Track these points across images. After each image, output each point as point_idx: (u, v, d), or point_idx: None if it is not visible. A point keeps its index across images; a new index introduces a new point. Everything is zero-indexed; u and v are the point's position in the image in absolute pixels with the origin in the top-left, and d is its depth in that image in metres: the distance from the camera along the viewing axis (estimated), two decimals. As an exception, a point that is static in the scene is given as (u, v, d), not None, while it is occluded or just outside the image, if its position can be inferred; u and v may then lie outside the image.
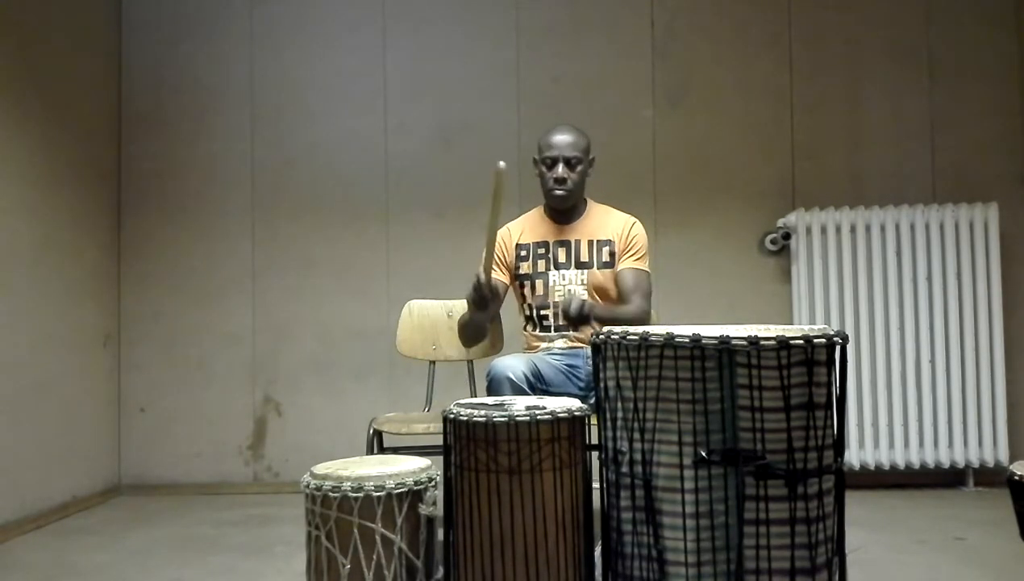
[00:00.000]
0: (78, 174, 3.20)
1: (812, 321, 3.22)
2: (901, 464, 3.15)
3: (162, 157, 3.51)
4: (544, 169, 2.43)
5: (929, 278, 3.17)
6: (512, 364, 2.14)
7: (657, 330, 1.61)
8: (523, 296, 2.45)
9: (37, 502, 2.88)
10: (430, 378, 2.79)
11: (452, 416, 1.78)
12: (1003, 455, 3.11)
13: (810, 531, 1.55)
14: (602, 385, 1.73)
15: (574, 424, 1.77)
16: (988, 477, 3.20)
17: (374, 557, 1.73)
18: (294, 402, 3.45)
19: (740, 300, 3.37)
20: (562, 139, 2.43)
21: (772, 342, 1.52)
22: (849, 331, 3.15)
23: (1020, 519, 1.52)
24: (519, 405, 1.78)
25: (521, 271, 2.43)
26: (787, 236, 3.32)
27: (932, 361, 3.15)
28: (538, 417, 1.70)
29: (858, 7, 3.43)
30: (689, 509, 1.56)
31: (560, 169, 2.39)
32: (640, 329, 1.64)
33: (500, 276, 2.41)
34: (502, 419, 1.69)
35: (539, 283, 2.41)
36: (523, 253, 2.44)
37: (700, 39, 3.47)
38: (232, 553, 2.50)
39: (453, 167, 3.47)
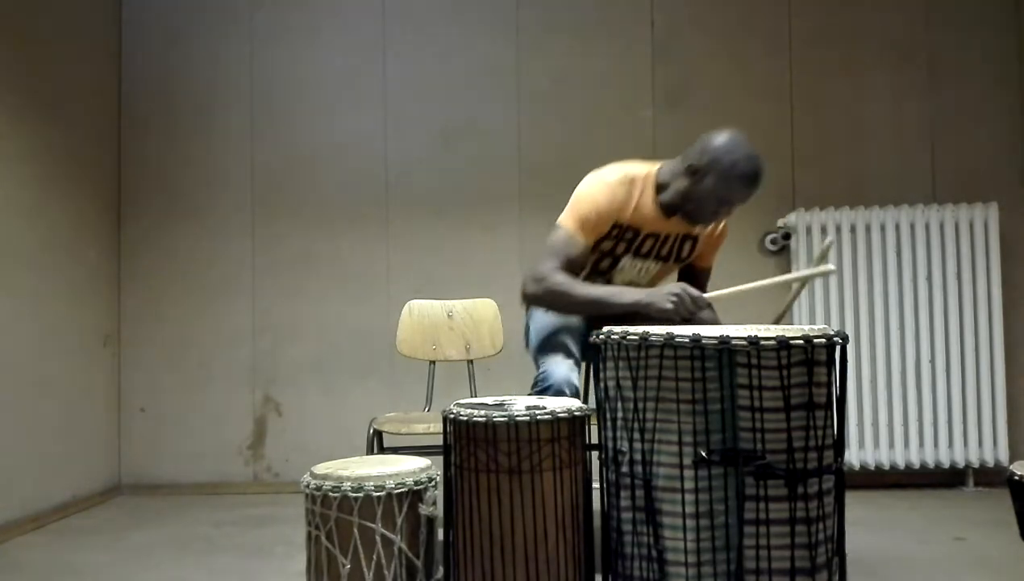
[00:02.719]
0: (78, 174, 3.20)
1: (812, 321, 3.22)
2: (901, 464, 3.15)
3: (162, 157, 3.51)
4: (715, 200, 2.07)
5: (929, 278, 3.17)
6: (570, 377, 2.08)
7: (657, 330, 1.61)
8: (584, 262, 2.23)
9: (37, 502, 2.88)
10: (430, 378, 2.79)
11: (452, 416, 1.78)
12: (1003, 455, 3.11)
13: (810, 531, 1.55)
14: (602, 385, 1.73)
15: (574, 424, 1.77)
16: (988, 477, 3.20)
17: (374, 557, 1.73)
18: (294, 402, 3.45)
19: (740, 300, 3.37)
20: (752, 193, 2.08)
21: (772, 342, 1.52)
22: (849, 331, 3.15)
23: (1020, 519, 1.52)
24: (519, 405, 1.79)
25: (600, 247, 2.20)
26: (787, 236, 3.32)
27: (932, 361, 3.15)
28: (538, 417, 1.70)
29: (858, 7, 3.43)
30: (689, 509, 1.56)
31: (728, 214, 2.15)
32: (640, 329, 1.64)
33: (584, 240, 2.13)
34: (502, 419, 1.70)
35: (605, 262, 2.23)
36: (615, 232, 2.17)
37: (700, 39, 3.47)
38: (232, 553, 2.50)
39: (453, 167, 3.47)
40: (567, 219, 2.14)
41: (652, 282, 2.31)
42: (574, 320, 2.24)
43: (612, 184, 2.13)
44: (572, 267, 2.11)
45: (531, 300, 2.14)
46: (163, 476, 3.43)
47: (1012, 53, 3.37)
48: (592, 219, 2.11)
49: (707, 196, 2.07)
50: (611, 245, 2.18)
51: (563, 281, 2.07)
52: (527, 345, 2.34)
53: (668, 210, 2.16)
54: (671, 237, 2.22)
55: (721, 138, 2.07)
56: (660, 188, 2.17)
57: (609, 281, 2.24)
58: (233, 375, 3.46)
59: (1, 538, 2.66)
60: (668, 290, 2.00)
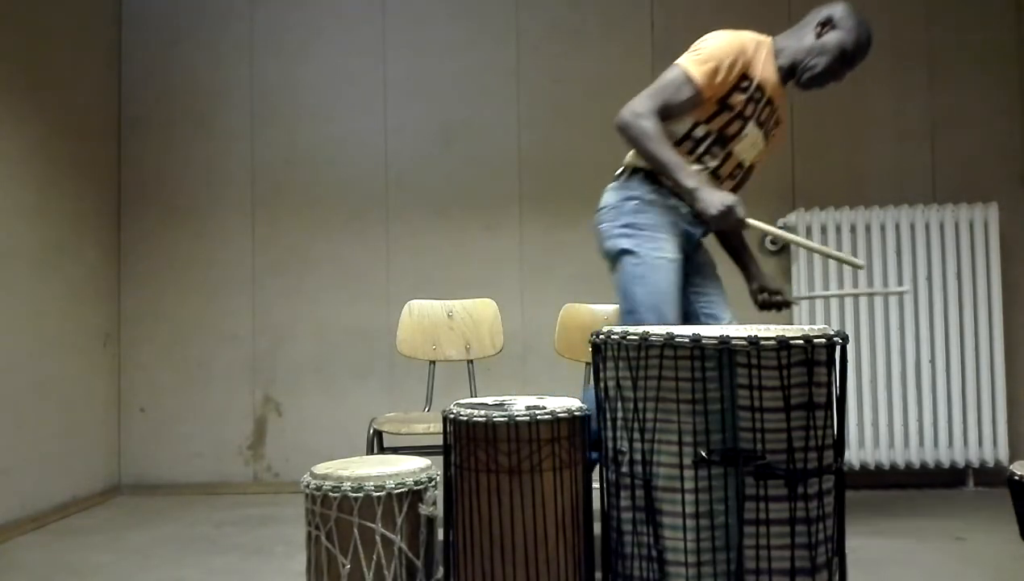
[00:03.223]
0: (78, 174, 3.20)
1: (812, 321, 3.22)
2: (901, 464, 3.15)
3: (162, 157, 3.51)
4: (838, 55, 2.15)
5: (929, 278, 3.17)
6: None
7: (657, 330, 1.61)
8: (707, 119, 2.14)
9: (37, 502, 2.88)
10: (430, 378, 2.79)
11: (452, 416, 1.78)
12: (1003, 455, 3.11)
13: (810, 531, 1.55)
14: (602, 385, 1.73)
15: (574, 424, 1.77)
16: (988, 477, 3.20)
17: (374, 557, 1.73)
18: (294, 402, 3.45)
19: (740, 300, 3.37)
20: (862, 60, 2.19)
21: (772, 342, 1.52)
22: (849, 331, 3.15)
23: (1020, 519, 1.52)
24: (519, 405, 1.79)
25: (730, 101, 2.11)
26: (787, 236, 3.31)
27: (932, 361, 3.15)
28: (538, 417, 1.70)
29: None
30: (689, 509, 1.56)
31: (840, 79, 2.19)
32: (640, 329, 1.63)
33: (699, 87, 2.07)
34: (502, 419, 1.70)
35: (735, 125, 2.14)
36: (744, 84, 2.11)
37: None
38: (232, 553, 2.50)
39: (453, 167, 3.47)
40: (689, 62, 2.09)
41: (748, 171, 2.26)
42: (675, 277, 2.13)
43: (743, 36, 2.15)
44: (669, 113, 2.09)
45: (620, 128, 2.11)
46: (163, 476, 3.43)
47: (1012, 53, 3.37)
48: (721, 63, 2.07)
49: (832, 49, 2.14)
50: (742, 102, 2.12)
51: (651, 130, 2.05)
52: (615, 265, 2.18)
53: (784, 76, 2.20)
54: (776, 112, 2.22)
55: (844, 3, 2.21)
56: (775, 55, 2.21)
57: (730, 154, 2.18)
58: (233, 375, 3.46)
59: (1, 538, 2.66)
60: (722, 197, 2.01)
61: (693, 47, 2.15)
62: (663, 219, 2.14)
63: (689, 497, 1.56)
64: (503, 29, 3.49)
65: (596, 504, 1.81)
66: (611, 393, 1.70)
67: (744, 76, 2.12)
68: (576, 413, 1.75)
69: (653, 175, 2.14)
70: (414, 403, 3.25)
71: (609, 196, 2.23)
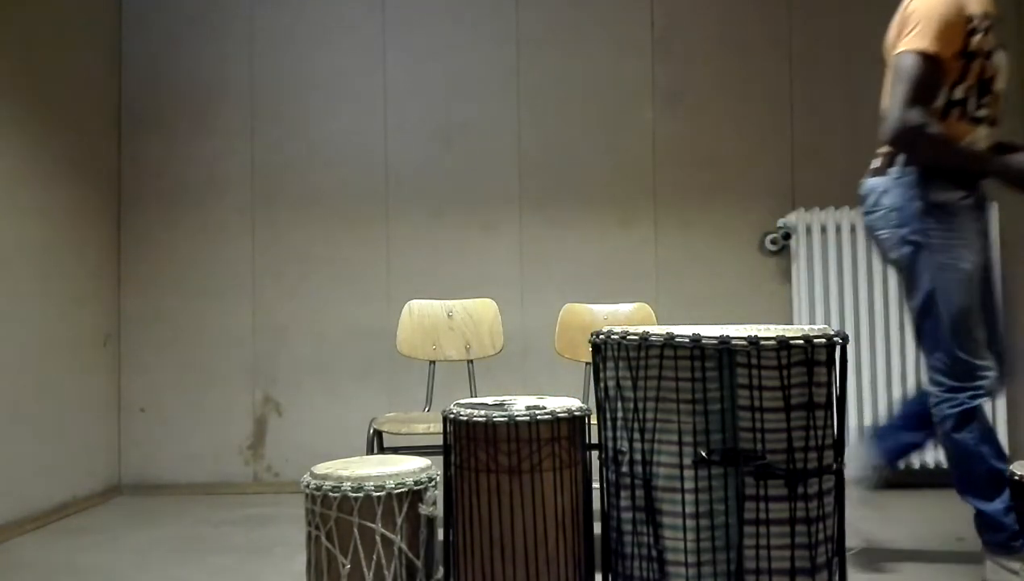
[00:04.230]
0: (78, 174, 3.20)
1: (812, 321, 3.22)
2: (901, 464, 3.15)
3: (162, 156, 3.51)
4: None
5: (929, 278, 3.17)
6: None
7: (657, 330, 1.61)
8: (960, 78, 2.02)
9: (37, 502, 2.88)
10: (430, 378, 2.79)
11: (452, 416, 1.78)
12: (1003, 455, 3.11)
13: (810, 531, 1.55)
14: (602, 385, 1.73)
15: (574, 424, 1.77)
16: (988, 477, 3.20)
17: (374, 557, 1.73)
18: (294, 402, 3.45)
19: (740, 300, 3.38)
20: None
21: (772, 342, 1.52)
22: (849, 331, 3.15)
23: (1020, 519, 1.52)
24: (519, 405, 1.79)
25: (971, 48, 1.99)
26: (787, 236, 3.32)
27: (932, 361, 3.15)
28: (538, 417, 1.70)
29: (858, 7, 3.43)
30: (689, 509, 1.56)
31: None
32: (640, 329, 1.64)
33: (938, 56, 1.95)
34: (502, 419, 1.70)
35: (988, 67, 2.02)
36: (972, 25, 1.99)
37: (700, 39, 3.47)
38: (232, 553, 2.50)
39: (453, 167, 3.47)
40: (916, 40, 1.97)
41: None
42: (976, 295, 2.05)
43: None
44: (931, 98, 1.98)
45: (900, 143, 1.98)
46: (163, 476, 3.43)
47: (1012, 53, 3.37)
48: (945, 19, 1.96)
49: None
50: (979, 40, 2.00)
51: (937, 134, 1.96)
52: (918, 296, 2.05)
53: None
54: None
55: None
56: None
57: (994, 94, 2.06)
58: (233, 375, 3.46)
59: (1, 538, 2.66)
60: None
61: (904, 23, 2.02)
62: (956, 220, 2.04)
63: (689, 497, 1.56)
64: (503, 29, 3.50)
65: (596, 504, 1.81)
66: (611, 393, 1.70)
67: (968, 18, 1.99)
68: (576, 413, 1.75)
69: (935, 170, 2.02)
70: (414, 403, 3.25)
71: (889, 196, 2.07)
